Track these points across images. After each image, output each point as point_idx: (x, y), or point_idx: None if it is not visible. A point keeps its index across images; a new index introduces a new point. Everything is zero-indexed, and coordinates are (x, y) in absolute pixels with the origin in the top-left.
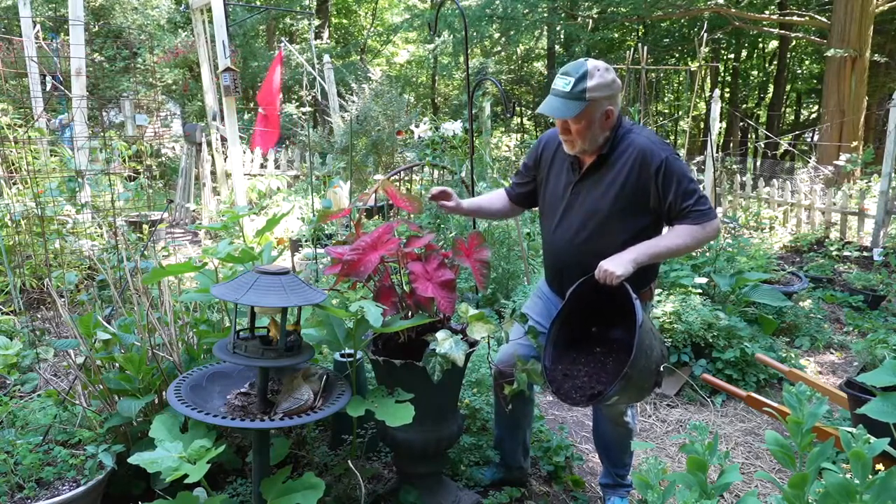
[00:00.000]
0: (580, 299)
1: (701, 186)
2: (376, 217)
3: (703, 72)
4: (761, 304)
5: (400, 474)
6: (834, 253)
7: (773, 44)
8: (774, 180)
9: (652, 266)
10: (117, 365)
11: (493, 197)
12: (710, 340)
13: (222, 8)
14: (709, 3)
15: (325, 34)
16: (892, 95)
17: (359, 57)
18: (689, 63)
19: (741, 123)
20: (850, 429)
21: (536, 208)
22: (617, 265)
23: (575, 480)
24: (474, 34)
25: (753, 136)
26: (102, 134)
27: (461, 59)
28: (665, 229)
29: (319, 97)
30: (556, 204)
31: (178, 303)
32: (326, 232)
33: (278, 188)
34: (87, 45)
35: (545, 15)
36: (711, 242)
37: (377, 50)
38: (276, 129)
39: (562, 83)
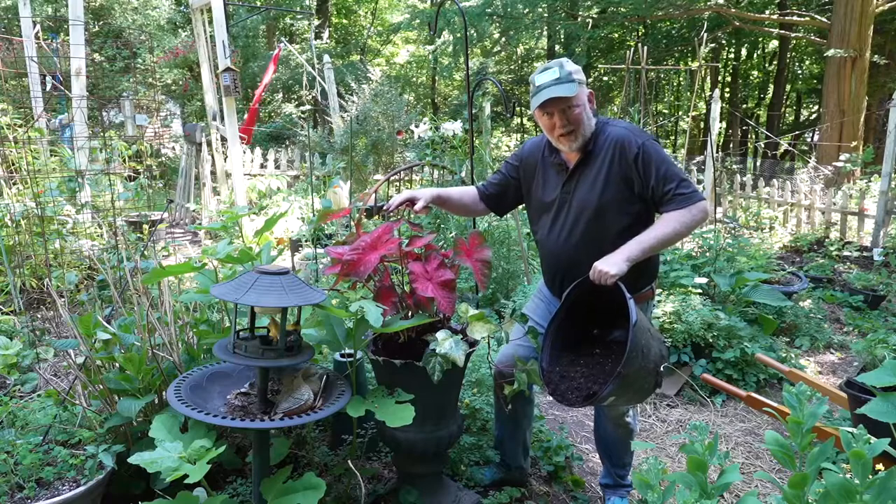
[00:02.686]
0: (577, 301)
1: (700, 187)
2: (376, 217)
3: (703, 72)
4: (761, 304)
5: (400, 474)
6: (834, 253)
7: (773, 44)
8: (774, 180)
9: (651, 265)
10: (117, 365)
11: (464, 191)
12: (710, 340)
13: (222, 8)
14: (709, 3)
15: (325, 34)
16: (892, 95)
17: (359, 57)
18: (689, 63)
19: (742, 127)
20: (850, 429)
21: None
22: (611, 265)
23: (575, 480)
24: (474, 33)
25: (753, 136)
26: (102, 134)
27: (461, 59)
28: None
29: (319, 97)
30: (547, 208)
31: (178, 303)
32: (326, 232)
33: (278, 188)
34: (87, 45)
35: (545, 14)
36: (711, 243)
37: (377, 50)
38: (253, 123)
39: (549, 74)
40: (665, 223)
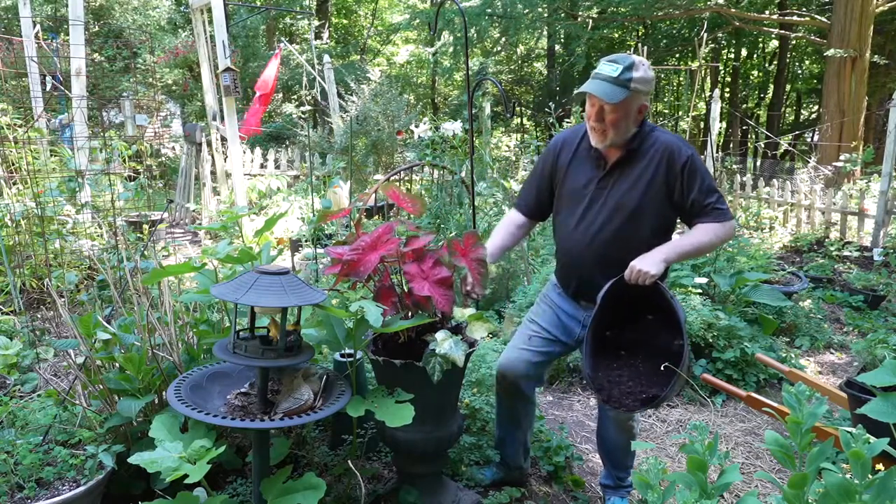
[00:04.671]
0: (609, 302)
1: None
2: (376, 217)
3: (703, 72)
4: (761, 304)
5: (400, 474)
6: (834, 253)
7: (774, 44)
8: (774, 180)
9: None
10: (117, 365)
11: (510, 230)
12: (710, 340)
13: (222, 8)
14: (709, 3)
15: (325, 34)
16: (892, 95)
17: (359, 57)
18: (689, 63)
19: (742, 127)
20: (849, 429)
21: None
22: (650, 264)
23: (575, 480)
24: (474, 33)
25: (753, 136)
26: (102, 134)
27: (461, 59)
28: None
29: (319, 97)
30: (577, 199)
31: (178, 303)
32: (326, 232)
33: (278, 188)
34: (87, 45)
35: (545, 14)
36: None
37: (377, 50)
38: (260, 112)
39: (609, 69)
40: (703, 232)
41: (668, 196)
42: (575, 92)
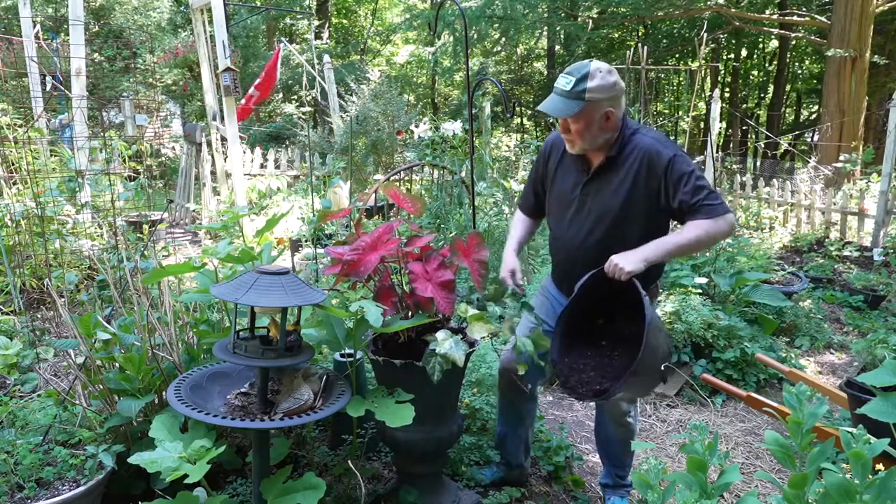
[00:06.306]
0: (588, 293)
1: None
2: (376, 217)
3: (703, 72)
4: (761, 304)
5: (400, 474)
6: (834, 253)
7: (774, 44)
8: (774, 180)
9: (656, 265)
10: (117, 365)
11: (525, 224)
12: (710, 340)
13: (222, 8)
14: (709, 3)
15: (325, 34)
16: (892, 95)
17: (359, 57)
18: (689, 63)
19: (742, 127)
20: (850, 429)
21: None
22: (628, 261)
23: (575, 480)
24: (474, 34)
25: (753, 136)
26: (102, 134)
27: (461, 59)
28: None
29: (319, 97)
30: (565, 203)
31: (178, 303)
32: (326, 232)
33: (278, 188)
34: (87, 45)
35: (545, 15)
36: None
37: (377, 50)
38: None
39: (563, 82)
40: (688, 230)
41: (653, 201)
42: (534, 109)
